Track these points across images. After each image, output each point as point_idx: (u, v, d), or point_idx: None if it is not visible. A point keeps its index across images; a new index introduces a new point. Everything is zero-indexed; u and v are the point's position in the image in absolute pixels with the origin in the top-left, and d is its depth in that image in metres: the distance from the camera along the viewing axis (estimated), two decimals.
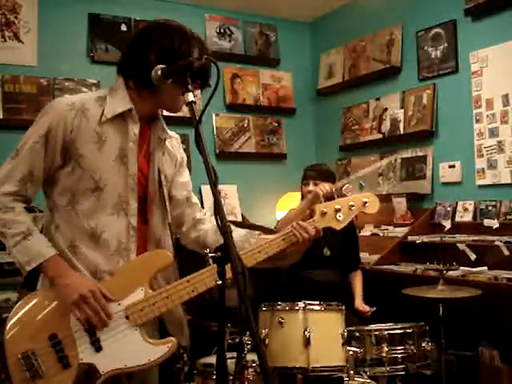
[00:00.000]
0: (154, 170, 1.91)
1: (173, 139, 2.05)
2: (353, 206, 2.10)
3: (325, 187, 3.22)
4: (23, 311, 1.78)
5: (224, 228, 1.44)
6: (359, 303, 3.49)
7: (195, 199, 2.12)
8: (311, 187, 3.48)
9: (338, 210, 2.07)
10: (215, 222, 2.01)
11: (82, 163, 1.78)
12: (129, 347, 1.74)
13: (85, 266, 1.80)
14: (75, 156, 1.78)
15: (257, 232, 2.05)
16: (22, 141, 1.80)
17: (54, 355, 1.72)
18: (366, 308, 3.43)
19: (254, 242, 1.97)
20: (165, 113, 1.99)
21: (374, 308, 3.41)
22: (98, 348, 1.73)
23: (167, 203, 1.94)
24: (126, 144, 1.82)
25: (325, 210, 2.07)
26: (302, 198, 3.62)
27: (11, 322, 1.76)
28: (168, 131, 1.99)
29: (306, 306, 2.60)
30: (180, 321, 1.98)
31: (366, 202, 2.13)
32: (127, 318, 1.75)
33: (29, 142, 1.78)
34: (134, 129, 1.84)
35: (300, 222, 2.01)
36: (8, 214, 1.75)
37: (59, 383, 1.71)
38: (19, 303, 1.81)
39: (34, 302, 1.79)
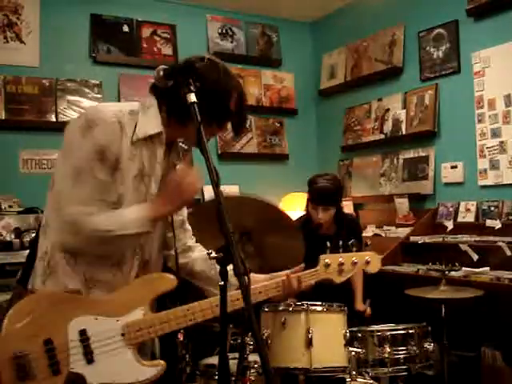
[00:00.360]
0: None
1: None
2: (356, 262, 2.17)
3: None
4: (23, 310, 1.78)
5: (226, 230, 1.43)
6: (359, 305, 3.45)
7: (188, 226, 2.12)
8: (321, 214, 3.42)
9: (341, 264, 2.14)
10: (205, 252, 2.01)
11: (115, 177, 1.76)
12: (120, 364, 1.75)
13: (80, 271, 1.80)
14: (116, 169, 1.75)
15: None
16: (77, 156, 1.73)
17: (46, 360, 1.73)
18: (365, 306, 3.40)
19: None
20: None
21: (369, 300, 3.38)
22: (89, 360, 1.74)
23: (174, 227, 1.94)
24: (150, 165, 1.82)
25: (328, 262, 2.14)
26: (308, 214, 3.53)
27: (9, 320, 1.75)
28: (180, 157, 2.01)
29: (308, 306, 2.60)
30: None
31: (368, 261, 2.20)
32: (123, 335, 1.76)
33: (86, 161, 1.72)
34: (161, 151, 1.84)
35: (297, 275, 2.08)
36: (89, 217, 1.72)
37: None
38: (21, 301, 1.80)
39: (35, 302, 1.79)
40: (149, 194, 1.83)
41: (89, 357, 1.74)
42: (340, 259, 2.15)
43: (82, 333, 1.74)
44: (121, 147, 1.74)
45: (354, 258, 2.17)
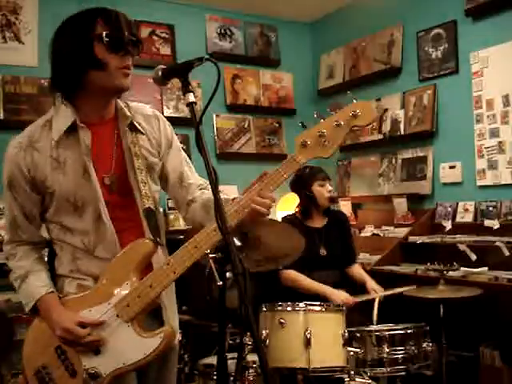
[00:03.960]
0: (132, 164, 1.85)
1: (151, 119, 1.95)
2: (339, 123, 1.76)
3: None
4: (34, 330, 1.86)
5: (224, 229, 1.43)
6: (372, 284, 3.40)
7: (191, 179, 2.00)
8: (330, 187, 3.54)
9: (322, 136, 1.75)
10: (204, 196, 1.94)
11: (53, 191, 1.78)
12: (124, 345, 1.73)
13: (89, 274, 1.82)
14: (44, 189, 1.78)
15: (230, 198, 1.92)
16: None
17: (62, 366, 1.77)
18: (378, 289, 3.35)
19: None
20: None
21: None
22: (96, 351, 1.74)
23: (142, 189, 1.84)
24: (82, 158, 1.78)
25: (304, 139, 1.76)
26: (315, 200, 3.54)
27: (25, 343, 1.85)
28: (134, 113, 1.91)
29: (306, 306, 2.60)
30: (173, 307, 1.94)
31: (356, 114, 1.77)
32: (118, 316, 1.75)
33: (3, 192, 1.83)
34: (86, 139, 1.78)
35: (276, 169, 1.79)
36: (11, 260, 1.86)
37: None
38: (32, 324, 1.87)
39: (40, 322, 1.83)
40: (94, 190, 1.79)
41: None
42: (318, 130, 1.75)
43: (82, 328, 1.74)
44: (36, 165, 1.76)
45: (336, 120, 1.76)
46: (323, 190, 3.53)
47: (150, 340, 1.73)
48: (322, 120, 1.78)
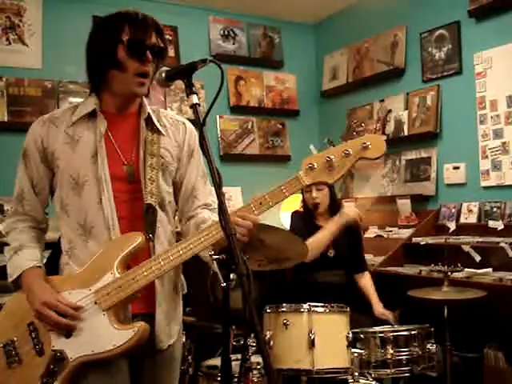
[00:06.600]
0: (146, 158, 1.88)
1: (178, 124, 2.00)
2: (349, 152, 1.73)
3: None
4: (12, 303, 1.87)
5: (228, 230, 1.44)
6: (380, 311, 3.36)
7: (200, 196, 2.00)
8: (314, 194, 3.48)
9: (329, 161, 1.73)
10: (200, 215, 1.95)
11: (59, 164, 1.85)
12: (96, 332, 1.72)
13: (83, 262, 1.82)
14: (53, 159, 1.86)
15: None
16: None
17: (30, 342, 1.78)
18: (387, 313, 3.32)
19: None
20: None
21: (398, 310, 3.34)
22: (67, 334, 1.74)
23: (149, 186, 1.86)
24: (96, 143, 1.85)
25: (312, 163, 1.75)
26: (306, 204, 3.60)
27: (1, 313, 1.87)
28: (162, 116, 1.97)
29: (310, 307, 2.60)
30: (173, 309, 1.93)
31: (366, 145, 1.72)
32: (96, 303, 1.75)
33: (18, 163, 1.92)
34: (102, 127, 1.86)
35: (278, 187, 1.77)
36: (10, 234, 1.91)
37: (33, 369, 1.75)
38: (11, 297, 1.88)
39: (20, 295, 1.83)
40: (100, 174, 1.82)
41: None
42: (327, 156, 1.73)
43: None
44: (49, 138, 1.86)
45: (345, 149, 1.72)
46: (309, 197, 3.54)
47: (123, 332, 1.72)
48: (332, 147, 1.77)
